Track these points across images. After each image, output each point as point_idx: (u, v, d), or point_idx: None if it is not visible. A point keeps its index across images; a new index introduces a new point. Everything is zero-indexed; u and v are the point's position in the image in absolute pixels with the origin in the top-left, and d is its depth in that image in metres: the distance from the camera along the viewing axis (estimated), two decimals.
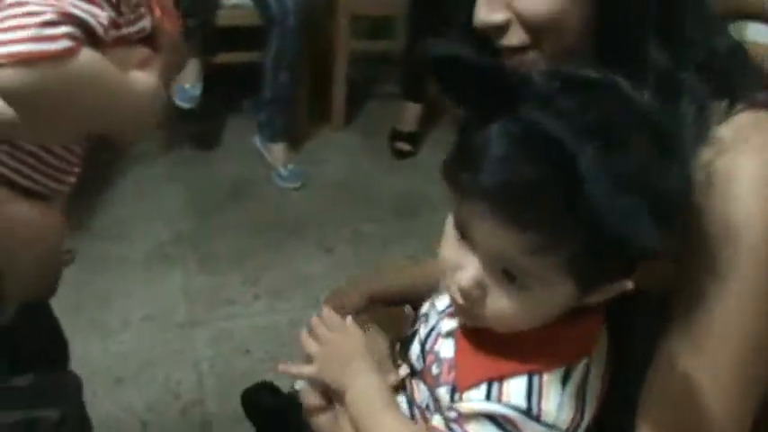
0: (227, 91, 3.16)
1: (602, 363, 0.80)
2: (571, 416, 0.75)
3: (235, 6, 2.81)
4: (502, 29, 0.83)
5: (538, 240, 0.66)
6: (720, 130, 0.79)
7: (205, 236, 2.63)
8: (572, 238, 0.65)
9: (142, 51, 0.91)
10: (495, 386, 0.75)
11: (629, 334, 0.83)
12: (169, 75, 0.96)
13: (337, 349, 0.90)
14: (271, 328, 2.23)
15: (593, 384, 0.77)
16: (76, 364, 1.22)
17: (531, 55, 0.83)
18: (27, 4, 0.73)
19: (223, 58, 2.91)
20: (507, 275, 0.71)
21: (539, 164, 0.65)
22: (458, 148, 0.72)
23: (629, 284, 0.72)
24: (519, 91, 0.68)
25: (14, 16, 0.72)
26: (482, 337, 0.77)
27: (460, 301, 0.74)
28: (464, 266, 0.73)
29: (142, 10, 0.90)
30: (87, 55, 0.77)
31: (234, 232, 2.65)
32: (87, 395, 1.14)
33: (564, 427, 0.75)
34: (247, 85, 2.93)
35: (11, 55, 0.72)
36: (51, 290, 1.03)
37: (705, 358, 0.78)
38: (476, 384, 0.76)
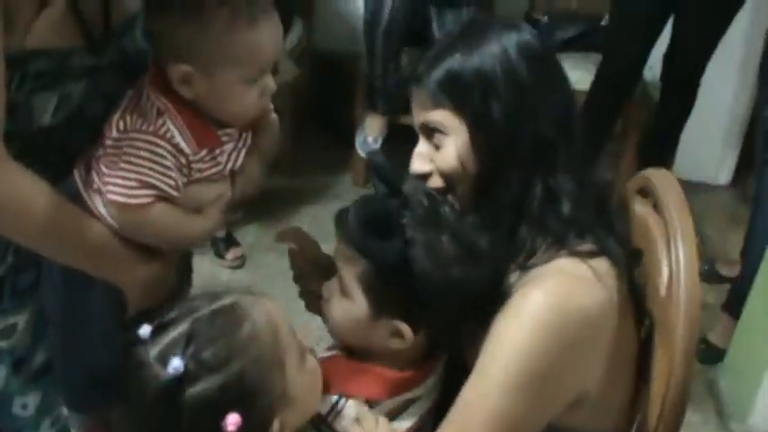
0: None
1: (425, 407, 1.19)
2: None
3: None
4: (426, 176, 1.22)
5: (347, 252, 1.13)
6: (540, 268, 1.11)
7: None
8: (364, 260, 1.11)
9: (216, 189, 1.22)
10: (324, 396, 1.13)
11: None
12: (241, 199, 1.28)
13: None
14: None
15: (406, 418, 1.16)
16: None
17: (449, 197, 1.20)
18: (128, 170, 1.12)
19: (405, 119, 3.33)
20: (340, 288, 1.15)
21: (379, 219, 1.12)
22: None
23: (409, 332, 1.12)
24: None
25: (120, 177, 1.13)
26: (332, 371, 1.16)
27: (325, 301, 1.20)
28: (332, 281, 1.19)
29: (219, 158, 1.20)
30: (159, 208, 1.15)
31: None
32: None
33: None
34: None
35: (111, 201, 1.14)
36: (161, 302, 1.37)
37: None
38: None
